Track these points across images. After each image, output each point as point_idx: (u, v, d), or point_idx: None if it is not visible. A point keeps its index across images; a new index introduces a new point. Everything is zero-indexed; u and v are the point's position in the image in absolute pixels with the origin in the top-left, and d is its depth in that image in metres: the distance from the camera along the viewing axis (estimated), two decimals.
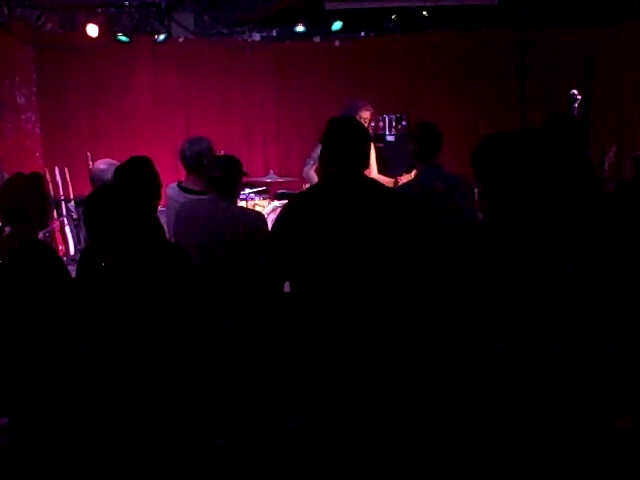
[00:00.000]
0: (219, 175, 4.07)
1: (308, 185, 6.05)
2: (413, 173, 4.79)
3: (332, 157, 3.28)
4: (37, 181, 3.61)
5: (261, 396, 3.87)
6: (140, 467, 2.88)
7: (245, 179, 4.46)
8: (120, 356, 2.82)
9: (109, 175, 4.05)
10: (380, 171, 6.22)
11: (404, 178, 5.02)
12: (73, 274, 3.47)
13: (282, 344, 3.40)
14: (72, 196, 8.16)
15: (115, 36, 8.29)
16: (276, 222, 3.47)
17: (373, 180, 3.60)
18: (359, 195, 3.24)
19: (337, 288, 3.18)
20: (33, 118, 8.63)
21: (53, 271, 3.41)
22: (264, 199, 6.99)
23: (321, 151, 3.36)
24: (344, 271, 3.17)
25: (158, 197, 3.74)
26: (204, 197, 4.20)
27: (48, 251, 3.57)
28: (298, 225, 3.26)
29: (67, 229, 7.93)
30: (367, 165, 3.44)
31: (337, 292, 3.18)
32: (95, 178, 4.66)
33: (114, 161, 4.49)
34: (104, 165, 4.71)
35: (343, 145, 3.26)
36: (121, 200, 2.91)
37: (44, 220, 3.68)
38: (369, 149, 3.46)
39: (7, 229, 3.52)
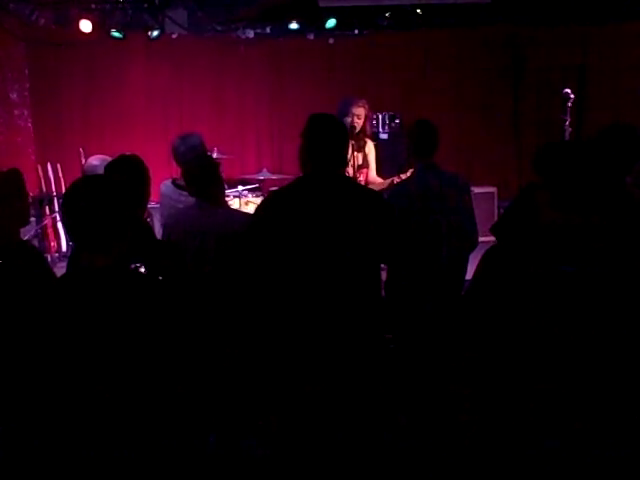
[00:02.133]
0: (198, 182, 4.02)
1: None
2: (409, 172, 4.72)
3: (309, 154, 3.25)
4: (14, 178, 3.53)
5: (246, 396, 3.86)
6: (136, 470, 2.86)
7: (238, 176, 4.41)
8: (112, 358, 2.79)
9: (102, 171, 4.02)
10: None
11: (403, 176, 4.94)
12: (63, 271, 3.43)
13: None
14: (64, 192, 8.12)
15: (108, 32, 8.26)
16: (251, 221, 3.43)
17: (349, 179, 3.56)
18: (333, 194, 3.21)
19: (309, 288, 3.15)
20: (25, 114, 8.60)
21: (35, 270, 3.36)
22: (257, 196, 6.96)
23: (300, 147, 3.31)
24: (318, 269, 3.14)
25: (147, 196, 3.71)
26: (192, 200, 4.14)
27: (30, 250, 3.52)
28: (271, 224, 3.23)
29: (59, 225, 7.88)
30: (344, 164, 3.40)
31: (309, 292, 3.15)
32: (88, 174, 4.62)
33: (107, 157, 4.45)
34: (97, 161, 4.68)
35: (319, 143, 3.22)
36: (102, 193, 2.83)
37: (23, 218, 3.61)
38: (345, 148, 3.41)
39: None
